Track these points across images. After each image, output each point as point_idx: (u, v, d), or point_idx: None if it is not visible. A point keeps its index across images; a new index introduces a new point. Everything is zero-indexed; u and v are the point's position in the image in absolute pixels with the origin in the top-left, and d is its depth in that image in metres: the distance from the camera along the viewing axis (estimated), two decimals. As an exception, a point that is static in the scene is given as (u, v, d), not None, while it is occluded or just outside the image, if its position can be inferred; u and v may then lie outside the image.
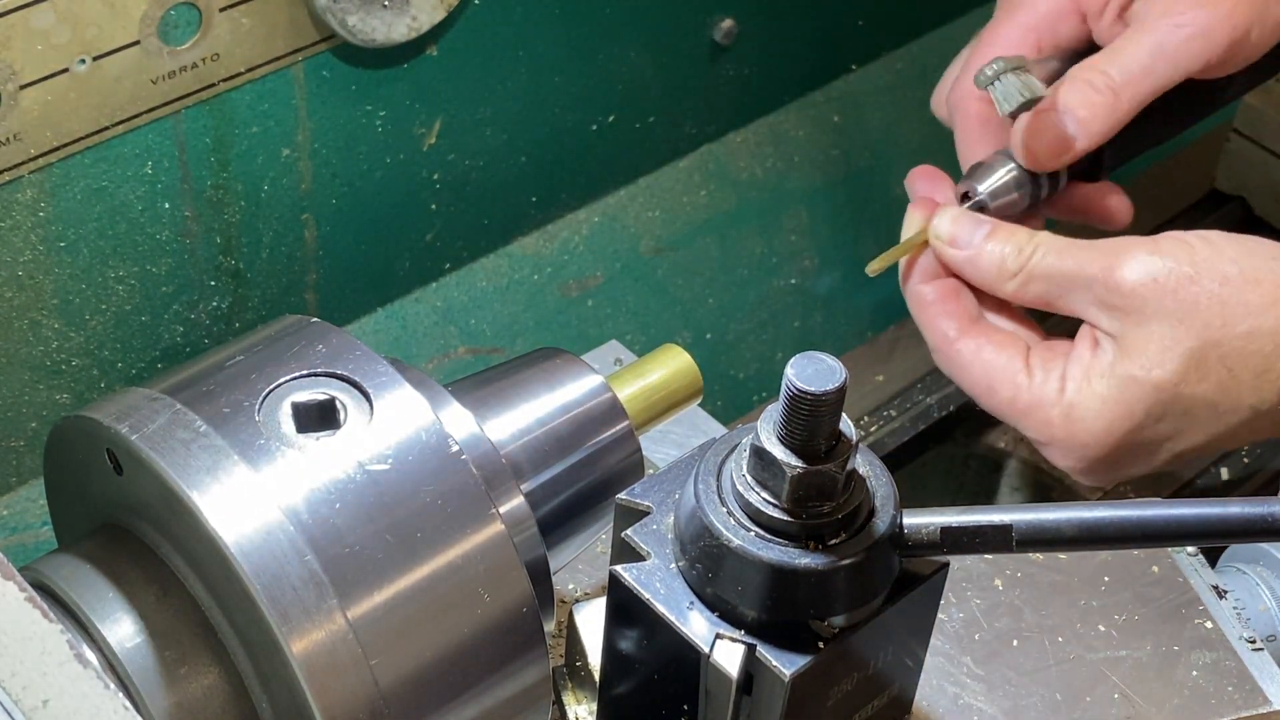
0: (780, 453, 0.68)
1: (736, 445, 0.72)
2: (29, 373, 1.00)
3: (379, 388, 0.74)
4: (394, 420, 0.73)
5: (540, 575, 0.78)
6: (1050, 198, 1.04)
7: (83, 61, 0.91)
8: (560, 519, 0.83)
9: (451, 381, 0.83)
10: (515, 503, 0.78)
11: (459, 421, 0.78)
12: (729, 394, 1.30)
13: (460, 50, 1.10)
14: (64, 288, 0.99)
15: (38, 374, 1.01)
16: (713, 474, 0.72)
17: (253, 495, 0.69)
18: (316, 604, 0.68)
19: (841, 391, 0.67)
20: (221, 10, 0.95)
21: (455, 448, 0.73)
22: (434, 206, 1.16)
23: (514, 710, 0.75)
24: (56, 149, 0.93)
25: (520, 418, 0.82)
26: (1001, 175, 1.01)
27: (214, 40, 0.96)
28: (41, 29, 0.88)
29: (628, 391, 0.86)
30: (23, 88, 0.89)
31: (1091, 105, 0.98)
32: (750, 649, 0.70)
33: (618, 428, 0.85)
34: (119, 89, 0.94)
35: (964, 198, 1.01)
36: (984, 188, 1.01)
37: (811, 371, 0.67)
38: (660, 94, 1.26)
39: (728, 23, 1.26)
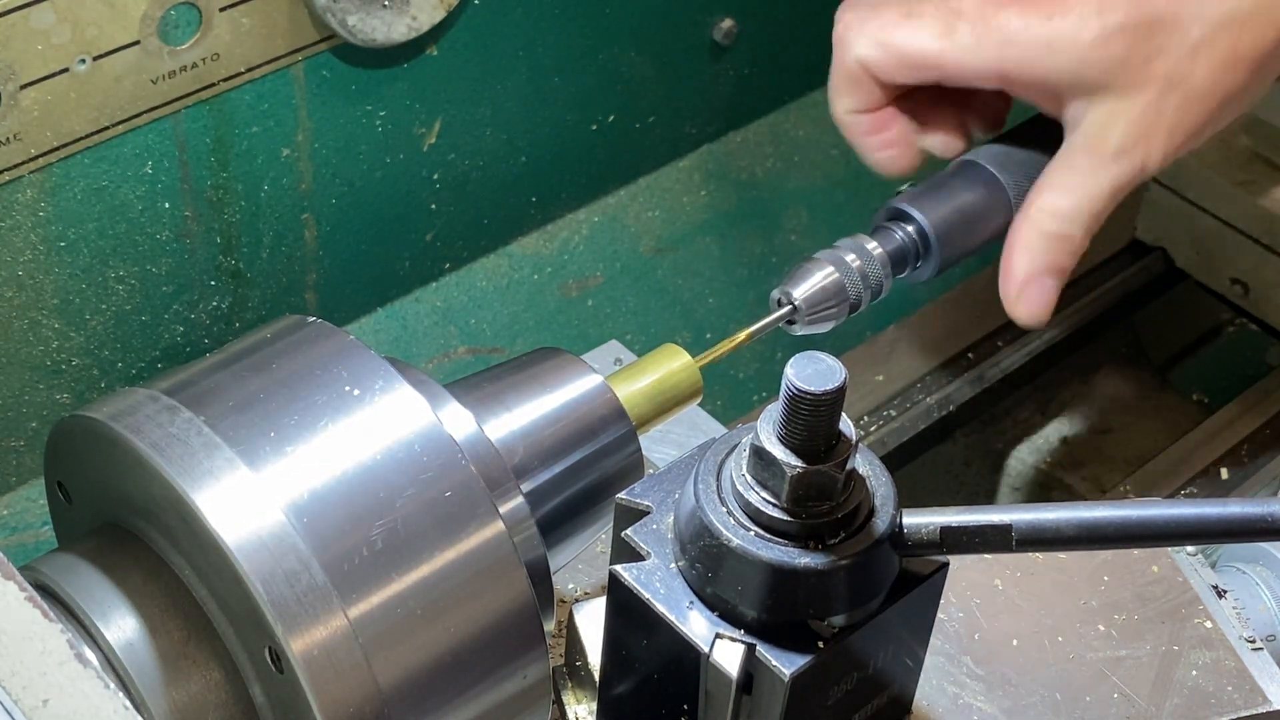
0: (780, 452, 0.68)
1: (736, 445, 0.72)
2: (29, 373, 1.00)
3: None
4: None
5: (540, 575, 0.78)
6: (872, 303, 0.96)
7: (83, 61, 0.91)
8: (560, 519, 0.83)
9: (451, 381, 0.83)
10: (515, 503, 0.78)
11: (459, 421, 0.78)
12: (729, 394, 1.30)
13: (460, 50, 1.10)
14: (64, 288, 0.99)
15: (38, 374, 1.01)
16: (713, 474, 0.72)
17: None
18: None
19: (841, 391, 0.67)
20: (221, 10, 0.95)
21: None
22: (434, 206, 1.16)
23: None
24: (56, 149, 0.93)
25: (520, 418, 0.82)
26: (818, 281, 0.92)
27: (214, 40, 0.96)
28: (41, 29, 0.88)
29: (628, 391, 0.86)
30: (23, 88, 0.89)
31: (1059, 254, 0.95)
32: (750, 649, 0.70)
33: (618, 428, 0.84)
34: (119, 89, 0.94)
35: (778, 303, 0.92)
36: (799, 294, 0.92)
37: (811, 371, 0.67)
38: (660, 94, 1.26)
39: (728, 23, 1.26)
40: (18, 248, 0.96)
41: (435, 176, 1.15)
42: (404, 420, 0.74)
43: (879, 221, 0.97)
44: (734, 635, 0.70)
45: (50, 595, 0.73)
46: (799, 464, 0.68)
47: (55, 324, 1.00)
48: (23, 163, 0.93)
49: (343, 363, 0.76)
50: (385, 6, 1.00)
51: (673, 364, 0.87)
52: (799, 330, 0.93)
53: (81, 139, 0.94)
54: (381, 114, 1.08)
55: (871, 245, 0.95)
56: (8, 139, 0.91)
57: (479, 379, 0.85)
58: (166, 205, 1.01)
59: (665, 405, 0.87)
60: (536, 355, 0.87)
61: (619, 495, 0.76)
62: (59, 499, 0.81)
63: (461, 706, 0.73)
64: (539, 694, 0.76)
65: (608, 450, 0.84)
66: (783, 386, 0.67)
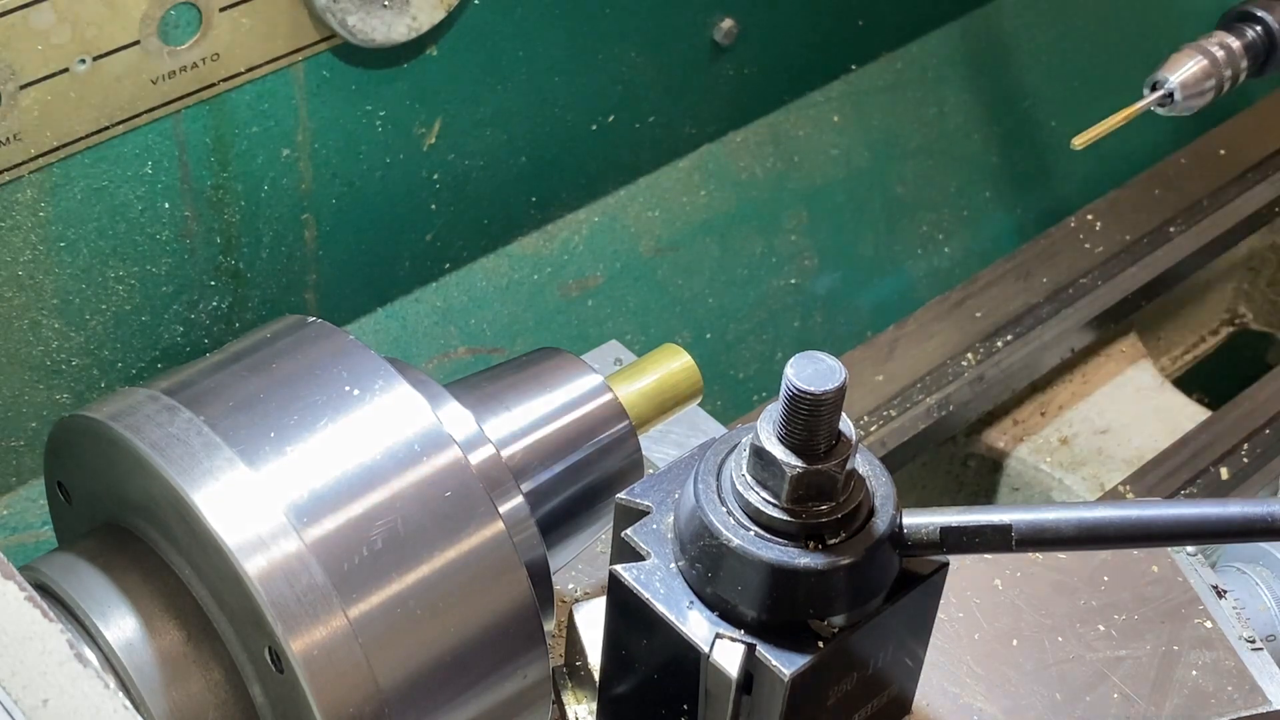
0: (780, 452, 0.68)
1: (736, 445, 0.72)
2: (29, 373, 1.00)
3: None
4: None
5: (540, 575, 0.78)
6: (1232, 90, 1.07)
7: (83, 61, 0.91)
8: (560, 519, 0.83)
9: (451, 381, 0.83)
10: (515, 503, 0.78)
11: (459, 421, 0.78)
12: (729, 394, 1.30)
13: (460, 50, 1.10)
14: (64, 288, 0.99)
15: (38, 374, 1.01)
16: (713, 474, 0.72)
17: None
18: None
19: (841, 391, 0.67)
20: (221, 10, 0.95)
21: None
22: (434, 206, 1.16)
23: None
24: (56, 149, 0.94)
25: (520, 418, 0.82)
26: (1190, 67, 1.04)
27: (214, 40, 0.96)
28: (41, 29, 0.88)
29: (628, 391, 0.86)
30: (23, 88, 0.90)
31: None
32: (750, 648, 0.70)
33: (618, 428, 0.85)
34: (119, 89, 0.94)
35: (1153, 87, 1.05)
36: (1175, 79, 1.04)
37: (811, 371, 0.67)
38: (660, 94, 1.26)
39: (728, 23, 1.26)
40: (18, 248, 0.96)
41: (435, 176, 1.15)
42: (404, 420, 0.74)
43: (1227, 22, 1.07)
44: (734, 635, 0.70)
45: (50, 595, 0.73)
46: (799, 464, 0.68)
47: (55, 324, 1.00)
48: (23, 163, 0.93)
49: (343, 362, 0.76)
50: (385, 6, 1.00)
51: (673, 364, 0.87)
52: (1174, 111, 1.04)
53: (81, 139, 0.94)
54: (381, 114, 1.08)
55: (1229, 39, 1.06)
56: (8, 139, 0.91)
57: (479, 379, 0.85)
58: (166, 205, 1.01)
59: (665, 405, 0.87)
60: (536, 355, 0.87)
61: (619, 495, 0.76)
62: (59, 499, 0.81)
63: (461, 706, 0.73)
64: (539, 694, 0.76)
65: (608, 450, 0.84)
66: (783, 386, 0.67)
